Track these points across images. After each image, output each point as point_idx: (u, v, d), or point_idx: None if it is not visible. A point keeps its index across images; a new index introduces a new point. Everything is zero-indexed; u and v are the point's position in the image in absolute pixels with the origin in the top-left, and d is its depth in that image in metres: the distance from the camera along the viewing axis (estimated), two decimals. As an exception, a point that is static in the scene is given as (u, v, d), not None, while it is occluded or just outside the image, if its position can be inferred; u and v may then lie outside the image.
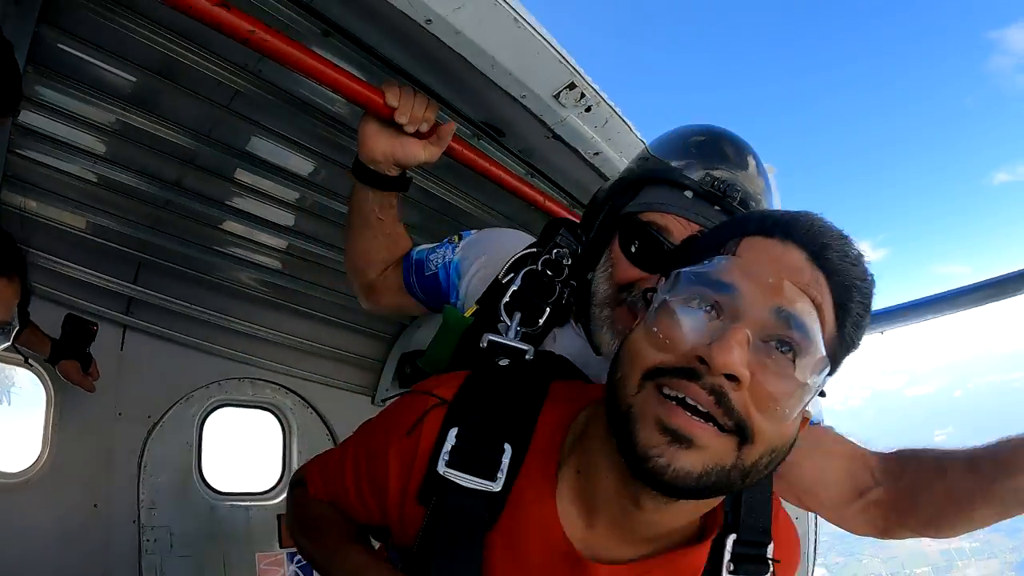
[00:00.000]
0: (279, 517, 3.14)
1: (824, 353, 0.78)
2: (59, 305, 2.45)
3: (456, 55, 1.26)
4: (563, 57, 1.27)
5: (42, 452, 2.54)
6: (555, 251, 1.29)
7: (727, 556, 0.94)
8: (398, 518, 0.98)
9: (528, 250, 1.33)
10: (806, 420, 0.84)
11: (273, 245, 2.76)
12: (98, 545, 2.60)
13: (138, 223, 2.42)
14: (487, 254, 1.40)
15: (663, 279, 0.85)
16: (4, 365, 2.58)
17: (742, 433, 0.74)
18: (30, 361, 2.46)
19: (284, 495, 3.15)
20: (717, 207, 1.11)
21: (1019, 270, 1.68)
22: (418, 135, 1.43)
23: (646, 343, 0.80)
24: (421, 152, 1.47)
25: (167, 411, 2.85)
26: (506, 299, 1.26)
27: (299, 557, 3.12)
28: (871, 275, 0.85)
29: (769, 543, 0.99)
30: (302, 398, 3.24)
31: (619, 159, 1.58)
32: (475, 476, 0.91)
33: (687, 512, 0.87)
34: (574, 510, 0.90)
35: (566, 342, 1.27)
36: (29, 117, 1.91)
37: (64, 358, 2.33)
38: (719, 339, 0.73)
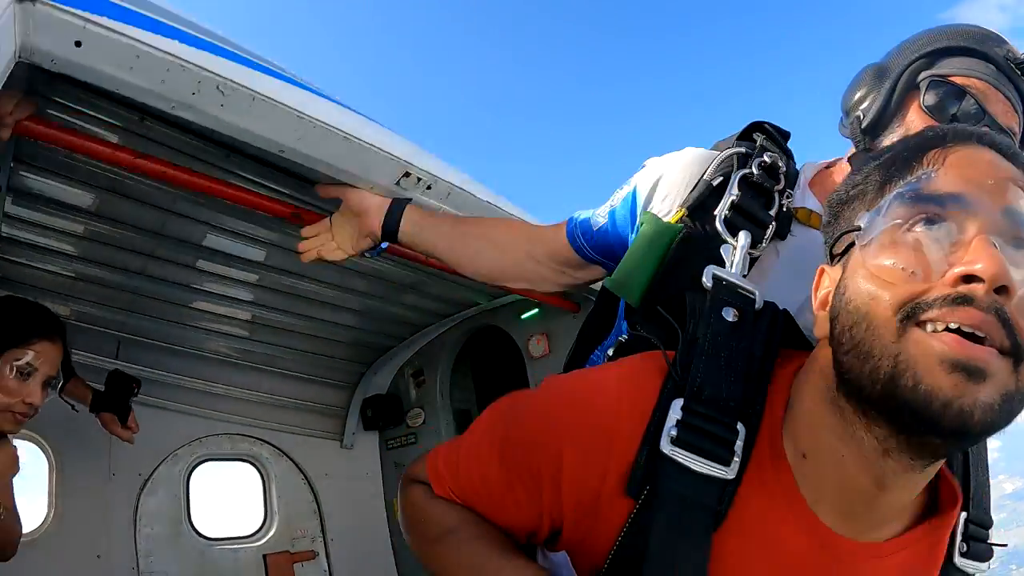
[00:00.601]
0: (265, 557, 3.49)
1: None
2: (53, 384, 2.86)
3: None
4: (392, 155, 1.67)
5: (47, 513, 2.91)
6: (767, 154, 1.16)
7: (959, 537, 0.86)
8: (581, 521, 0.83)
9: (736, 149, 1.19)
10: None
11: (239, 317, 3.18)
12: (102, 590, 2.96)
13: (115, 307, 2.85)
14: (666, 172, 1.24)
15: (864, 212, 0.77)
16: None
17: (1017, 352, 0.66)
18: (32, 433, 2.87)
19: (267, 537, 3.52)
20: (1013, 84, 1.12)
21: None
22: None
23: (884, 281, 0.70)
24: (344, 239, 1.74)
25: (155, 469, 3.22)
26: (725, 212, 1.09)
27: (284, 592, 3.44)
28: None
29: (992, 525, 0.90)
30: (277, 448, 3.60)
31: (472, 221, 1.99)
32: (706, 459, 0.77)
33: (927, 478, 0.79)
34: (808, 499, 0.79)
35: (784, 261, 1.13)
36: (13, 230, 2.36)
37: (104, 410, 2.64)
38: (980, 250, 0.66)
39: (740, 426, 0.79)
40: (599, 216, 1.35)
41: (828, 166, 1.28)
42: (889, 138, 1.15)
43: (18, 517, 2.24)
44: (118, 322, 2.92)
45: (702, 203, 1.12)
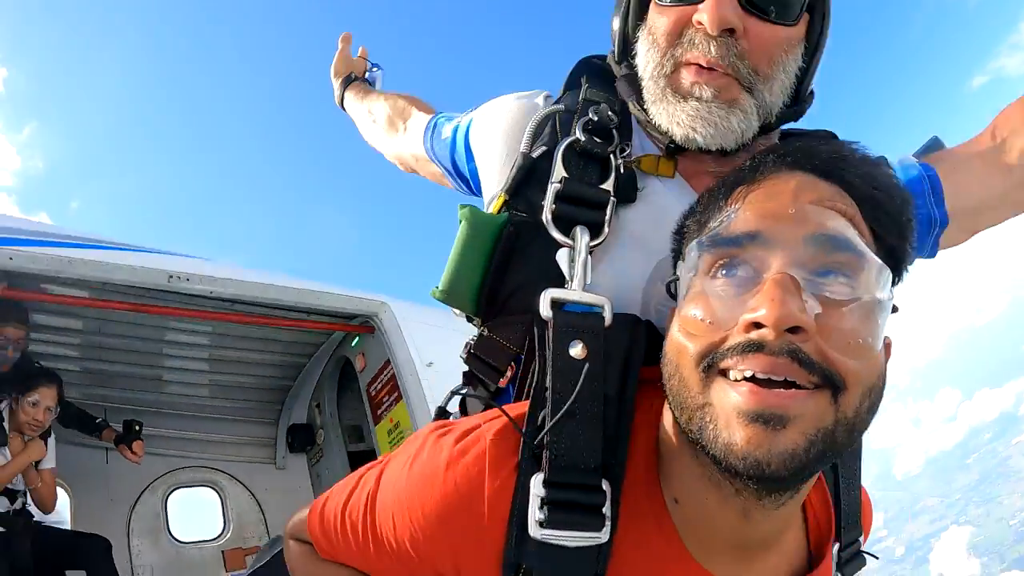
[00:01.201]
0: (223, 553, 4.90)
1: (880, 261, 0.69)
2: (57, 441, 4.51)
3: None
4: (158, 268, 3.19)
5: (70, 528, 4.47)
6: (592, 108, 0.99)
7: (833, 568, 0.89)
8: None
9: (554, 107, 1.05)
10: (888, 344, 0.73)
11: (196, 381, 4.77)
12: None
13: (101, 386, 4.46)
14: (494, 125, 1.13)
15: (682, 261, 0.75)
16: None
17: (832, 383, 0.64)
18: (60, 481, 4.50)
19: (225, 538, 4.94)
20: None
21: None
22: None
23: (688, 332, 0.70)
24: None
25: (140, 495, 4.69)
26: (552, 204, 0.92)
27: (239, 576, 4.81)
28: (894, 176, 0.77)
29: (860, 534, 0.93)
30: (228, 474, 5.05)
31: (235, 292, 3.49)
32: (577, 531, 0.74)
33: (796, 505, 0.77)
34: (690, 545, 0.78)
35: (634, 226, 0.97)
36: (38, 347, 4.02)
37: (120, 443, 4.08)
38: (765, 294, 0.64)
39: (605, 484, 0.76)
40: (448, 128, 1.26)
41: None
42: (642, 48, 0.98)
43: (54, 487, 3.74)
44: (102, 396, 4.55)
45: (525, 180, 0.99)
